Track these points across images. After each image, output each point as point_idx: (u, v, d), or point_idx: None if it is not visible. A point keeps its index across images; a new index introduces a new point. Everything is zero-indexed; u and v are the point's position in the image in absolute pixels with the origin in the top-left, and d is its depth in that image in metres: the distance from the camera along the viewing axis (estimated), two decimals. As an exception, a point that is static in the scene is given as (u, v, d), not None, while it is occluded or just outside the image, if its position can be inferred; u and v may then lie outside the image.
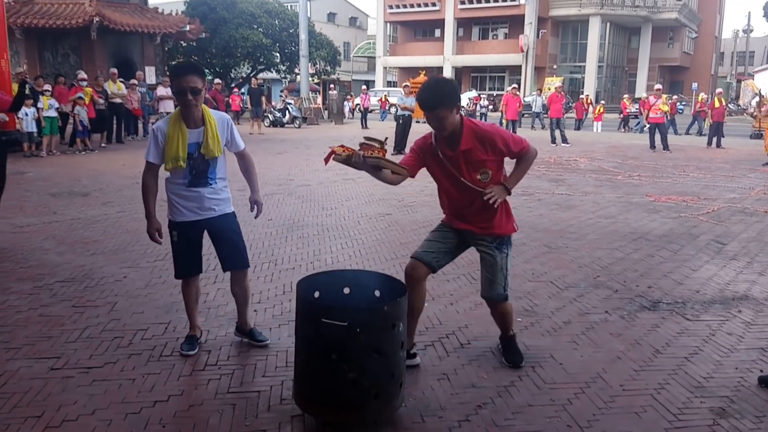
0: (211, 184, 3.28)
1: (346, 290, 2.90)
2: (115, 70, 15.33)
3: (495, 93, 40.27)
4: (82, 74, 13.60)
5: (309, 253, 5.50)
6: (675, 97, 25.59)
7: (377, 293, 2.86)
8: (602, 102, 26.94)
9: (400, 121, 13.78)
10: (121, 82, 14.85)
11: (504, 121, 17.63)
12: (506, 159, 3.05)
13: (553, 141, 16.37)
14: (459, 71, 43.61)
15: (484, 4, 40.74)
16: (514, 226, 3.20)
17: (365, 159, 2.81)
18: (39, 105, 11.90)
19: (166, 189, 3.29)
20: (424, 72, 28.96)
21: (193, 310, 3.48)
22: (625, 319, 3.97)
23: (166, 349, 3.41)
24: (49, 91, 12.40)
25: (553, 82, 34.03)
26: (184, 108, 3.14)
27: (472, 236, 3.16)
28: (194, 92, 3.08)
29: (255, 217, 3.55)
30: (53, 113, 12.22)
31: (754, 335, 3.72)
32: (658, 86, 16.41)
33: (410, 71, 42.19)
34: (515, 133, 16.54)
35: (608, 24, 41.05)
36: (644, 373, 3.21)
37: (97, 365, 3.20)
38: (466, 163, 2.98)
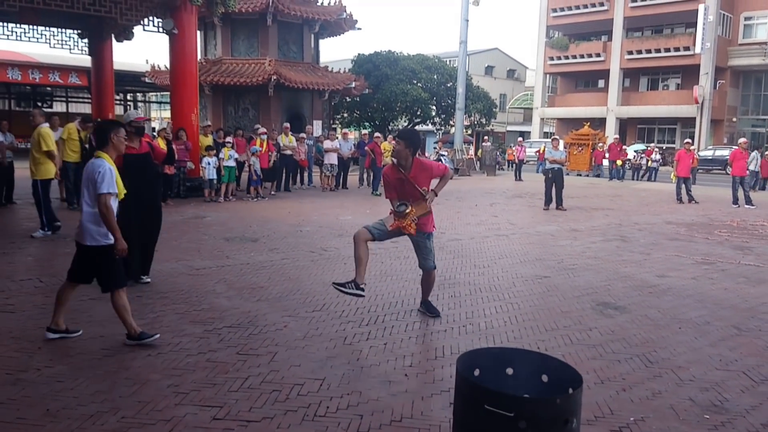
0: None
1: (509, 371, 2.68)
2: (288, 125, 16.58)
3: (665, 146, 37.53)
4: (262, 129, 14.82)
5: (461, 314, 5.31)
6: None
7: (544, 378, 2.60)
8: None
9: (549, 175, 13.18)
10: (292, 135, 16.01)
11: (674, 178, 16.18)
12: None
13: (735, 202, 14.73)
14: (624, 122, 41.45)
15: (654, 54, 38.55)
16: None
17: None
18: (220, 155, 13.17)
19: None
20: (588, 123, 27.78)
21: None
22: None
23: (320, 409, 3.39)
24: (230, 142, 13.68)
25: None
26: None
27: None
28: None
29: None
30: (232, 163, 13.42)
31: None
32: None
33: (568, 122, 40.95)
34: (690, 191, 15.20)
35: (799, 73, 36.83)
36: None
37: (255, 419, 3.25)
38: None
